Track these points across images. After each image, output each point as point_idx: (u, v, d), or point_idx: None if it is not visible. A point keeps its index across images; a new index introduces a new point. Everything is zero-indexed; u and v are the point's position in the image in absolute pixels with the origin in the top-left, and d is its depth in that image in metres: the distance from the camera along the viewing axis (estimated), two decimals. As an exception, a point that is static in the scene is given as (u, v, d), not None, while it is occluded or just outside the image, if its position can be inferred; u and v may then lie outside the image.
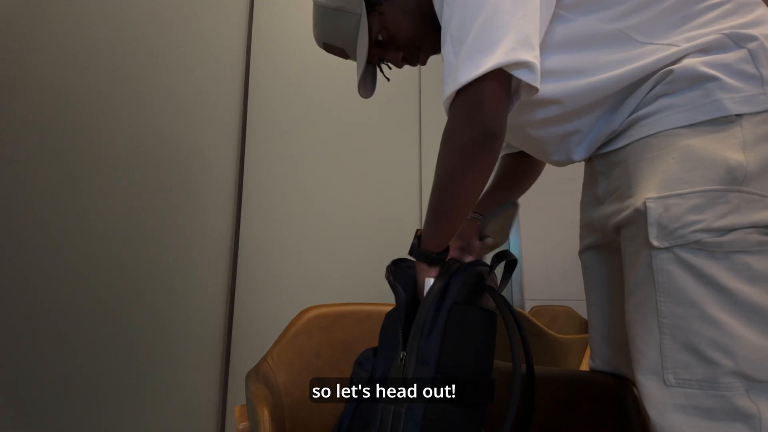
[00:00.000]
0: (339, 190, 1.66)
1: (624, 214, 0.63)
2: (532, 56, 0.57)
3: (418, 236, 0.73)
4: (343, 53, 0.80)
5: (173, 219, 1.29)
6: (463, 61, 0.59)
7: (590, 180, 0.79)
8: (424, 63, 0.80)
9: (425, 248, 0.72)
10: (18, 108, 1.10)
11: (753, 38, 0.59)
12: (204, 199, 1.35)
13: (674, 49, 0.62)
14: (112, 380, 1.15)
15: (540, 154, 0.82)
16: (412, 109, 1.96)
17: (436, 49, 0.79)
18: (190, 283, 1.30)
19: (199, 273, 1.31)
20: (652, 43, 0.64)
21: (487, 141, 0.61)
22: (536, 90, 0.60)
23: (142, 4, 1.31)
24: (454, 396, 0.65)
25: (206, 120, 1.39)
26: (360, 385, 0.72)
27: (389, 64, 0.82)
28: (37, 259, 1.09)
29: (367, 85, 0.82)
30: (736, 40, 0.60)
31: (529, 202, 2.55)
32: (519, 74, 0.58)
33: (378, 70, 0.83)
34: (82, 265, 1.14)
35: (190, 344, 1.27)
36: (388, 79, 0.85)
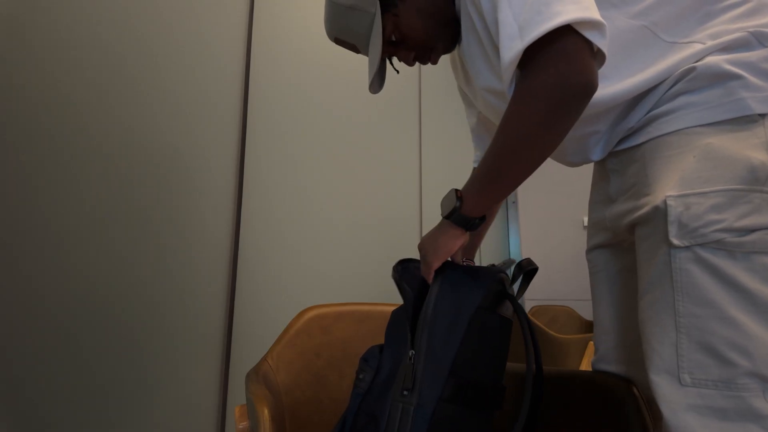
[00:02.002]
0: (339, 190, 1.66)
1: (641, 211, 0.62)
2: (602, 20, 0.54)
3: (459, 197, 0.67)
4: (354, 48, 0.79)
5: (173, 219, 1.29)
6: (532, 16, 0.54)
7: (601, 178, 0.78)
8: (435, 62, 0.79)
9: (467, 212, 0.67)
10: (18, 108, 1.10)
11: None
12: (204, 200, 1.35)
13: (698, 47, 0.61)
14: (112, 380, 1.15)
15: (556, 155, 0.81)
16: (412, 109, 1.96)
17: (449, 48, 0.78)
18: (190, 283, 1.30)
19: (199, 273, 1.31)
20: (676, 42, 0.63)
21: (584, 98, 0.56)
22: (604, 59, 0.57)
23: (142, 4, 1.31)
24: (465, 399, 0.65)
25: (206, 120, 1.39)
26: (365, 381, 0.72)
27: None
28: (37, 259, 1.09)
29: (376, 81, 0.80)
30: (761, 39, 0.59)
31: (529, 202, 2.55)
32: (592, 36, 0.54)
33: (389, 62, 0.83)
34: (83, 265, 1.14)
35: (190, 344, 1.27)
36: (398, 72, 0.85)
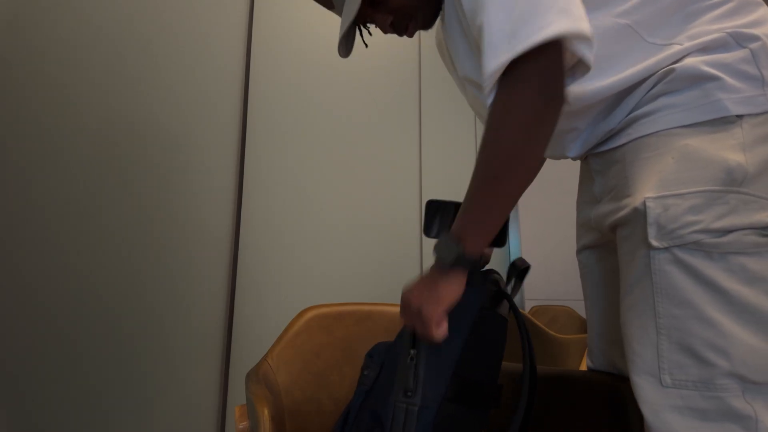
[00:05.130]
0: (339, 191, 1.66)
1: (621, 213, 0.63)
2: (591, 31, 0.54)
3: (457, 240, 0.60)
4: (328, 4, 0.75)
5: (173, 219, 1.29)
6: (519, 26, 0.53)
7: (586, 179, 0.79)
8: (411, 35, 0.76)
9: (472, 253, 0.60)
10: (18, 108, 1.10)
11: (755, 38, 0.59)
12: (204, 199, 1.35)
13: (677, 48, 0.62)
14: (112, 380, 1.15)
15: None
16: (412, 109, 1.96)
17: (428, 23, 0.76)
18: (190, 283, 1.30)
19: (200, 273, 1.32)
20: (656, 44, 0.63)
21: (557, 112, 0.56)
22: (587, 71, 0.57)
23: (143, 4, 1.31)
24: (467, 398, 0.65)
25: (206, 120, 1.39)
26: (369, 378, 0.72)
27: (370, 29, 0.78)
28: (38, 258, 1.09)
29: (348, 44, 0.75)
30: (738, 40, 0.59)
31: (529, 201, 2.55)
32: (579, 49, 0.54)
33: (360, 33, 0.78)
34: (82, 265, 1.14)
35: (190, 344, 1.27)
36: (366, 46, 0.80)
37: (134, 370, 1.18)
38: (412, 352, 0.67)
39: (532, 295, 2.51)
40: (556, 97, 0.55)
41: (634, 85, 0.64)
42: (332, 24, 1.75)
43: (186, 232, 1.30)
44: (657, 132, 0.61)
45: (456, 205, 0.76)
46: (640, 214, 0.59)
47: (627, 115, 0.65)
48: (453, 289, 0.62)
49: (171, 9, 1.36)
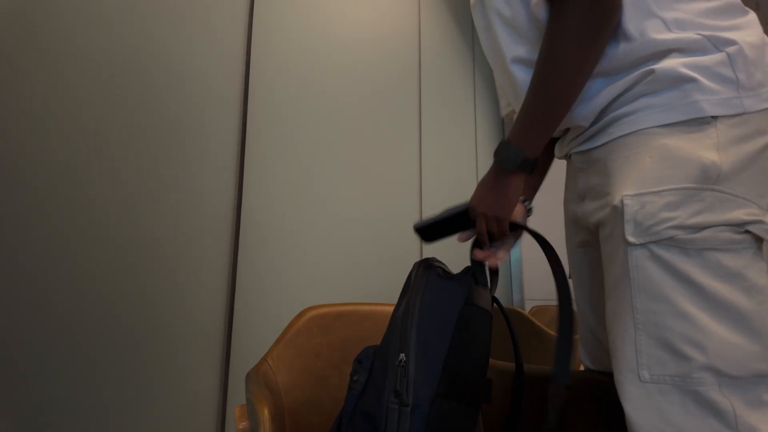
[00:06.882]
0: (339, 191, 1.66)
1: (602, 212, 0.64)
2: None
3: (516, 147, 0.67)
4: None
5: (172, 217, 1.29)
6: None
7: (571, 177, 0.80)
8: None
9: (531, 155, 0.67)
10: (20, 102, 1.10)
11: (732, 42, 0.60)
12: (204, 198, 1.36)
13: (663, 33, 0.62)
14: (111, 380, 1.15)
15: (513, 96, 0.80)
16: (412, 107, 1.97)
17: None
18: (189, 282, 1.30)
19: (199, 272, 1.32)
20: (650, 9, 0.64)
21: (611, 23, 0.60)
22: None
23: (143, 3, 1.31)
24: (458, 393, 0.66)
25: (206, 119, 1.39)
26: (359, 383, 0.73)
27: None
28: (35, 254, 1.09)
29: None
30: (716, 44, 0.61)
31: (529, 201, 2.56)
32: None
33: None
34: (80, 263, 1.14)
35: (190, 344, 1.28)
36: None
37: (133, 370, 1.18)
38: (401, 356, 0.68)
39: (532, 295, 2.51)
40: (609, 8, 0.59)
41: (616, 67, 0.64)
42: (332, 17, 1.75)
43: (185, 230, 1.31)
44: (636, 131, 0.62)
45: (426, 226, 0.86)
46: (618, 212, 0.60)
47: (604, 111, 0.66)
48: (519, 190, 0.70)
49: None
